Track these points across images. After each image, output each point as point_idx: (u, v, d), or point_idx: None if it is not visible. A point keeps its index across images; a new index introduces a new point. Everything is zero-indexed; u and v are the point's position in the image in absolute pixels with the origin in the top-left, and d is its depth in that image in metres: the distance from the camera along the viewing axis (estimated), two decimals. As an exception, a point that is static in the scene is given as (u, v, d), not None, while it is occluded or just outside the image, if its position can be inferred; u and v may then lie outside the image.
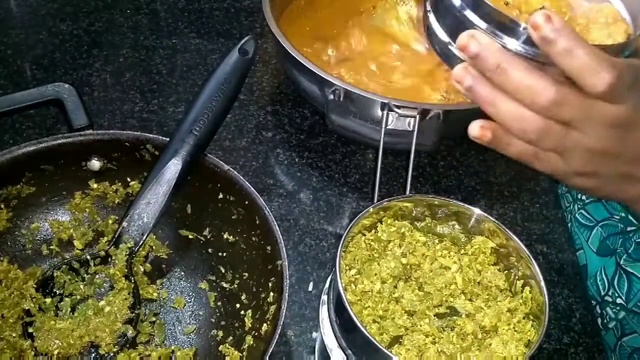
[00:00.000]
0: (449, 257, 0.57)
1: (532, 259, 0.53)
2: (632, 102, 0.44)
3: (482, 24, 0.46)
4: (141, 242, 0.62)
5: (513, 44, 0.44)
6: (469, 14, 0.47)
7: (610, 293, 0.73)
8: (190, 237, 0.67)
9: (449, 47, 0.50)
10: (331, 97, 0.72)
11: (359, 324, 0.48)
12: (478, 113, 0.74)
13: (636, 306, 0.71)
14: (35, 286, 0.60)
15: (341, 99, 0.72)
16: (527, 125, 0.44)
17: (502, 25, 0.45)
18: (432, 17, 0.52)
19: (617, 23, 0.50)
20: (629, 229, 0.72)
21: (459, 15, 0.48)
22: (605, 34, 0.49)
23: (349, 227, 0.54)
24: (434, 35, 0.51)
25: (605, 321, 0.75)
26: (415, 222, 0.59)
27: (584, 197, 0.79)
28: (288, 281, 0.55)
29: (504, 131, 0.45)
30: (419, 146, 0.69)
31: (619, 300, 0.72)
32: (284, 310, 0.54)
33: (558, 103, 0.42)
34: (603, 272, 0.75)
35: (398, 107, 0.69)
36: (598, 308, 0.75)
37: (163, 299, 0.65)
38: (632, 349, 0.71)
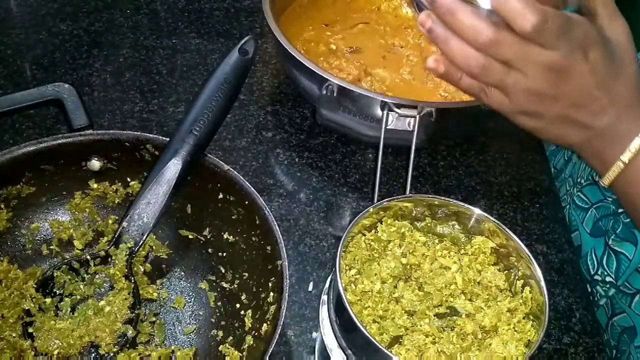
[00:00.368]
0: (449, 257, 0.57)
1: (532, 259, 0.53)
2: (565, 49, 0.49)
3: None
4: (141, 242, 0.62)
5: (485, 2, 0.50)
6: None
7: (599, 272, 0.75)
8: (190, 237, 0.67)
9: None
10: (324, 92, 0.73)
11: (359, 324, 0.48)
12: (470, 112, 0.74)
13: (624, 285, 0.72)
14: (35, 286, 0.60)
15: (334, 94, 0.72)
16: (470, 61, 0.51)
17: None
18: None
19: None
20: (620, 210, 0.73)
21: None
22: None
23: (349, 227, 0.54)
24: None
25: (595, 299, 0.76)
26: (415, 222, 0.59)
27: (582, 181, 0.80)
28: (288, 281, 0.55)
29: (454, 67, 0.52)
30: (406, 142, 0.70)
31: (608, 279, 0.74)
32: (284, 310, 0.54)
33: (496, 42, 0.49)
34: (593, 252, 0.77)
35: (398, 106, 0.69)
36: (588, 287, 0.76)
37: (163, 299, 0.65)
38: (622, 328, 0.73)
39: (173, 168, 0.60)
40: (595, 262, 0.76)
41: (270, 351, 0.51)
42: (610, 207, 0.75)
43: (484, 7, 0.50)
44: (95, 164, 0.65)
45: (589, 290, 0.76)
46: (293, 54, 0.74)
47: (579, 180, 0.81)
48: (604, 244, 0.75)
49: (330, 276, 0.56)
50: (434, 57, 0.53)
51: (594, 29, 0.52)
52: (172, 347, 0.61)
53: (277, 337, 0.52)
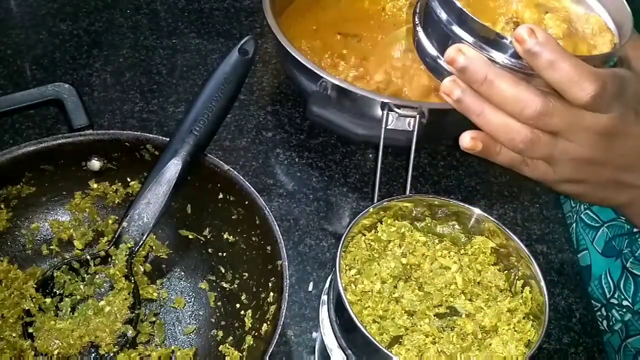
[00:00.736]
0: (449, 257, 0.57)
1: (532, 259, 0.53)
2: (619, 111, 0.45)
3: (469, 38, 0.46)
4: (141, 242, 0.62)
5: (500, 57, 0.45)
6: (456, 28, 0.48)
7: (616, 295, 0.73)
8: (190, 237, 0.67)
9: (438, 60, 0.51)
10: (316, 88, 0.72)
11: (359, 324, 0.48)
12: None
13: None
14: (35, 286, 0.60)
15: (328, 92, 0.72)
16: (515, 135, 0.45)
17: (488, 39, 0.46)
18: (420, 32, 0.52)
19: (602, 33, 0.50)
20: (635, 230, 0.72)
21: (447, 29, 0.48)
22: (591, 44, 0.49)
23: (349, 227, 0.54)
24: (423, 49, 0.52)
25: (610, 323, 0.74)
26: (415, 222, 0.59)
27: None
28: (288, 281, 0.55)
29: (494, 141, 0.47)
30: (396, 141, 0.70)
31: (625, 303, 0.72)
32: (284, 310, 0.54)
33: (545, 114, 0.43)
34: (608, 275, 0.75)
35: (398, 106, 0.69)
36: (604, 310, 0.75)
37: (163, 299, 0.65)
38: (637, 350, 0.71)
39: (173, 168, 0.60)
40: (612, 285, 0.74)
41: (270, 351, 0.51)
42: (624, 227, 0.74)
43: (509, 63, 0.44)
44: (95, 164, 0.65)
45: (605, 314, 0.75)
46: (293, 54, 0.74)
47: None
48: (622, 267, 0.73)
49: (330, 276, 0.56)
50: (471, 135, 0.47)
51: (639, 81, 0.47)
52: (172, 347, 0.61)
53: (277, 337, 0.52)
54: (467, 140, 0.47)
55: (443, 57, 0.47)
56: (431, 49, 0.51)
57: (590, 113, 0.44)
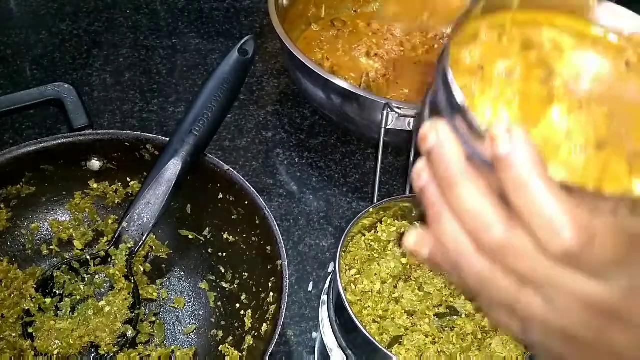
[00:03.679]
0: (449, 257, 0.57)
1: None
2: (622, 283, 0.30)
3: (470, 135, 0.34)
4: (141, 242, 0.62)
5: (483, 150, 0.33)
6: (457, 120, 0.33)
7: None
8: (190, 237, 0.67)
9: None
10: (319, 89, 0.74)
11: (359, 324, 0.48)
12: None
13: None
14: (35, 286, 0.60)
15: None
16: (464, 263, 0.31)
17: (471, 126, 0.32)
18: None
19: None
20: None
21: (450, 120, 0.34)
22: None
23: (349, 227, 0.54)
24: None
25: None
26: (415, 222, 0.59)
27: None
28: (288, 281, 0.55)
29: (444, 255, 0.33)
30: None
31: None
32: (284, 310, 0.54)
33: (506, 248, 0.30)
34: None
35: (398, 107, 0.69)
36: None
37: (163, 299, 0.65)
38: None
39: (173, 168, 0.60)
40: None
41: (270, 351, 0.51)
42: None
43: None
44: (95, 164, 0.65)
45: None
46: (298, 56, 0.74)
47: None
48: None
49: (330, 276, 0.56)
50: (416, 233, 0.33)
51: None
52: (172, 347, 0.61)
53: (277, 337, 0.52)
54: (411, 240, 0.34)
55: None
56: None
57: (576, 273, 0.30)
